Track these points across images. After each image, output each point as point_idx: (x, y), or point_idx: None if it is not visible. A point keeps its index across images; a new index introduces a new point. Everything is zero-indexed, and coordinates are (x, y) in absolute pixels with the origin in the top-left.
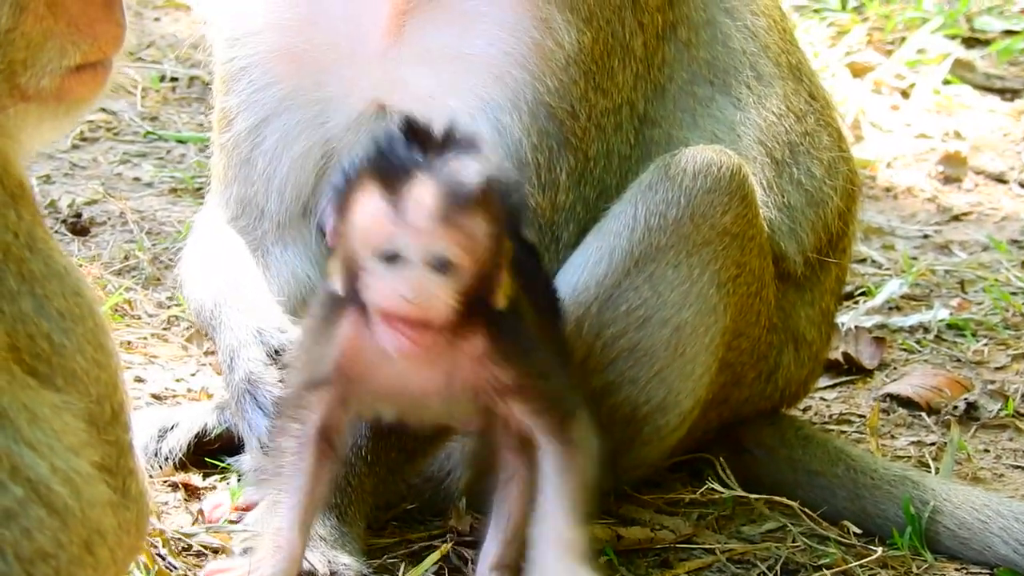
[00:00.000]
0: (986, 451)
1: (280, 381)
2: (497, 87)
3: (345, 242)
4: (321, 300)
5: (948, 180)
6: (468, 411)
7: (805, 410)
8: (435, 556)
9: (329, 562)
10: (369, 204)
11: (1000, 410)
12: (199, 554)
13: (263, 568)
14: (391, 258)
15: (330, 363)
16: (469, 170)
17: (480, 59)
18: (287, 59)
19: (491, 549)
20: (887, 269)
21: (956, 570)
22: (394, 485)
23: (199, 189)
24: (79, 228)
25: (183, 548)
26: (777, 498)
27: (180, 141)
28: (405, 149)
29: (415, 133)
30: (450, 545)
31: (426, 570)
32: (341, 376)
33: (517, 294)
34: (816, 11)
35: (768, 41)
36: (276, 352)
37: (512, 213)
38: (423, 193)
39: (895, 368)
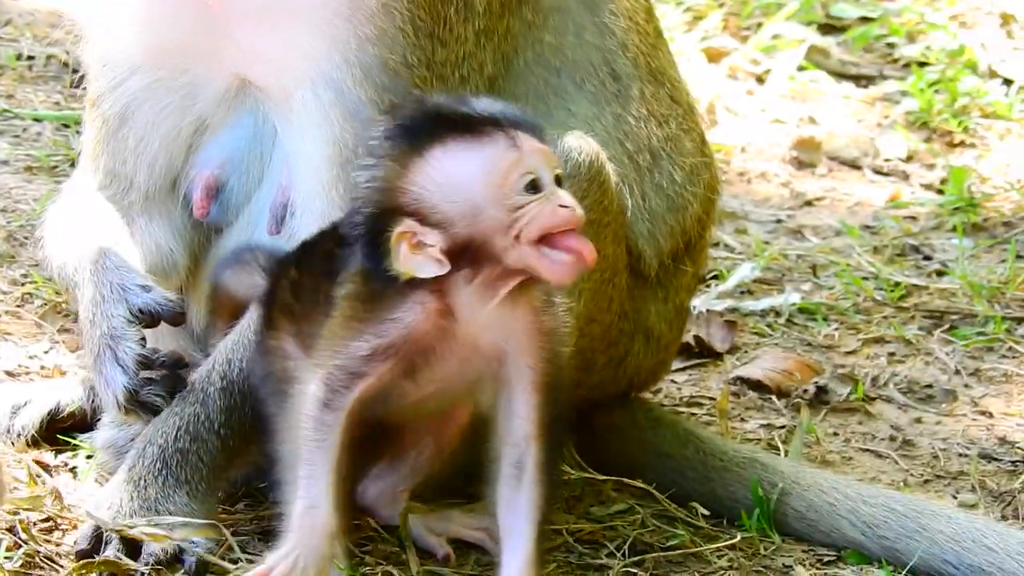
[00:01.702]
0: (835, 434)
1: (141, 340)
2: (323, 41)
3: (462, 215)
4: (370, 287)
5: (802, 165)
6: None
7: (656, 392)
8: None
9: (176, 552)
10: (496, 149)
11: (850, 394)
12: (50, 530)
13: (306, 552)
14: (533, 186)
15: (397, 337)
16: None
17: (304, 16)
18: (150, 47)
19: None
20: (740, 253)
21: (804, 552)
22: (248, 457)
23: (55, 167)
24: None
25: (33, 523)
26: (627, 480)
27: (36, 119)
28: (466, 103)
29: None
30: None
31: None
32: (408, 350)
33: None
34: None
35: (627, 40)
36: (140, 311)
37: None
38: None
39: (746, 351)
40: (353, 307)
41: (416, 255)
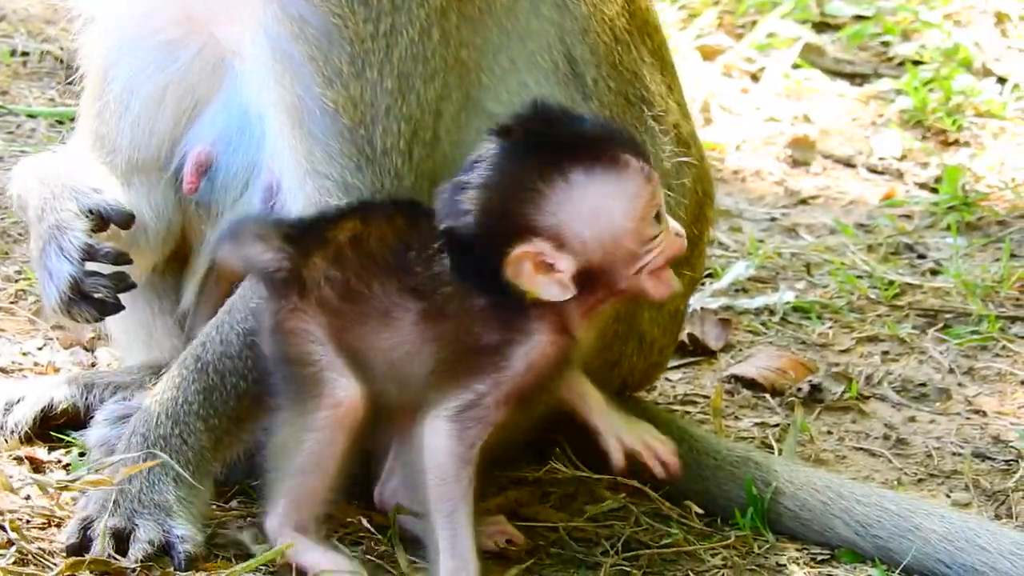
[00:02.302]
0: (829, 433)
1: (88, 232)
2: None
3: (601, 244)
4: (482, 309)
5: (796, 163)
6: None
7: (650, 391)
8: (279, 549)
9: (164, 531)
10: (636, 182)
11: (844, 393)
12: (43, 527)
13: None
14: (657, 217)
15: (527, 373)
16: None
17: None
18: (123, 11)
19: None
20: (734, 251)
21: (797, 551)
22: (236, 438)
23: None
24: None
25: (26, 520)
26: (621, 478)
27: (31, 116)
28: (589, 123)
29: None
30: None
31: (269, 560)
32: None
33: None
34: None
35: (593, 34)
36: (89, 211)
37: None
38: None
39: (740, 350)
40: (470, 333)
41: (542, 277)
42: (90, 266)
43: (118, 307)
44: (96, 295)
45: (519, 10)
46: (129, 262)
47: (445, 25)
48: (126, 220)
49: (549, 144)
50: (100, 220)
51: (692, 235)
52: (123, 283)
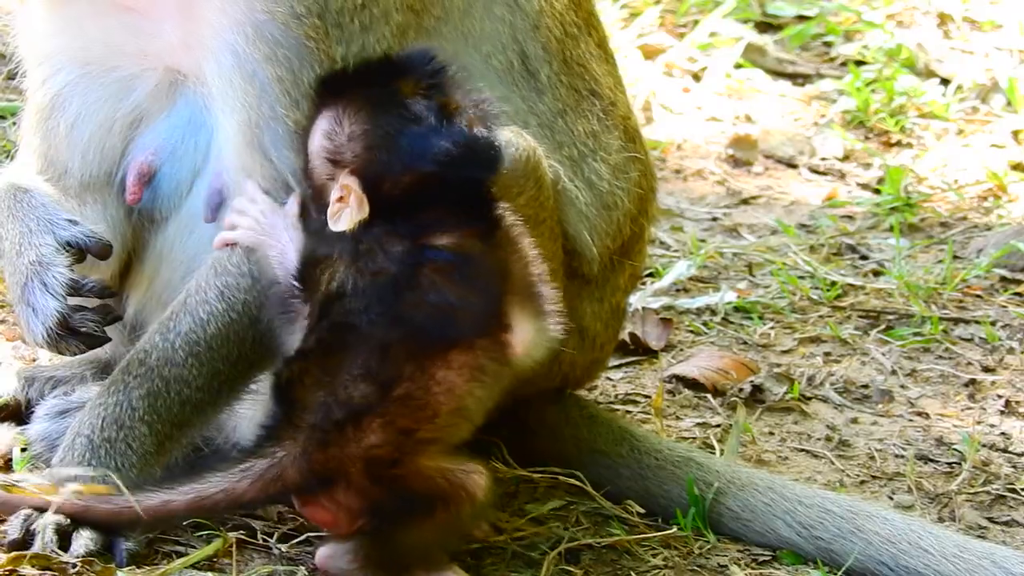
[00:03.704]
0: (771, 434)
1: (69, 267)
2: (222, 9)
3: None
4: None
5: (738, 163)
6: None
7: (591, 390)
8: (216, 545)
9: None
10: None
11: (785, 393)
12: None
13: None
14: None
15: None
16: None
17: None
18: (75, 45)
19: None
20: (675, 251)
21: (739, 551)
22: (179, 443)
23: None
24: None
25: None
26: (562, 476)
27: None
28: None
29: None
30: (233, 539)
31: (208, 557)
32: None
33: None
34: None
35: (544, 29)
36: (67, 244)
37: None
38: None
39: (681, 350)
40: None
41: None
42: (74, 300)
43: (106, 339)
44: (83, 329)
45: (474, 14)
46: (113, 294)
47: (404, 41)
48: (104, 251)
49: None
50: (79, 252)
51: (635, 230)
52: (109, 315)
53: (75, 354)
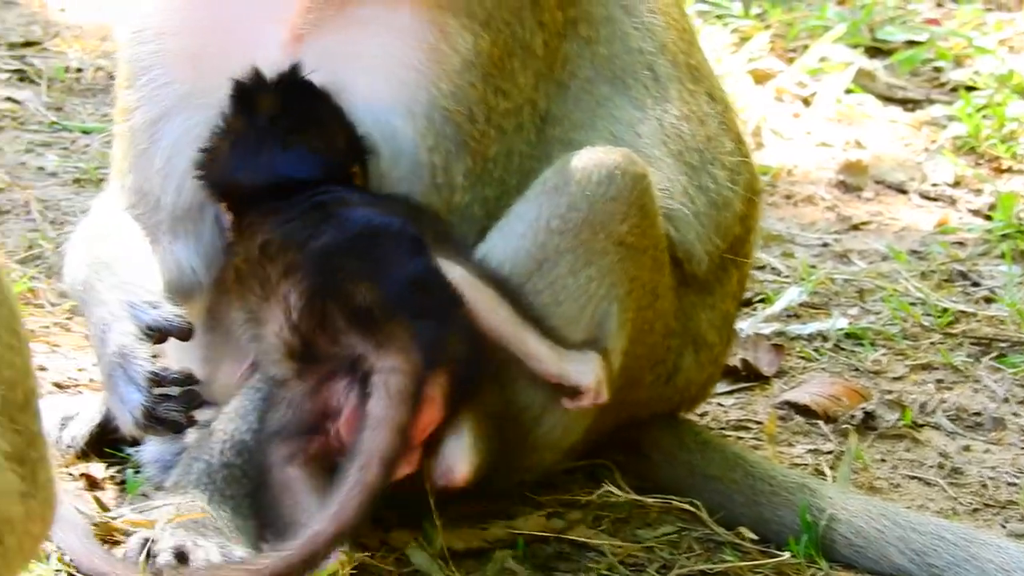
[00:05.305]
0: (883, 461)
1: (153, 356)
2: (391, 91)
3: None
4: None
5: (848, 189)
6: None
7: (703, 415)
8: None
9: (224, 554)
10: None
11: (897, 420)
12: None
13: None
14: None
15: None
16: None
17: (375, 64)
18: (188, 61)
19: None
20: (786, 276)
21: None
22: None
23: (103, 180)
24: None
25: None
26: (675, 501)
27: (84, 131)
28: None
29: None
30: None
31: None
32: None
33: None
34: (719, 17)
35: (666, 40)
36: (149, 328)
37: None
38: None
39: (793, 376)
40: None
41: None
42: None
43: (192, 423)
44: (168, 418)
45: (615, 54)
46: (196, 382)
47: (553, 112)
48: (186, 334)
49: None
50: (161, 335)
51: (743, 230)
52: (194, 402)
53: (164, 439)
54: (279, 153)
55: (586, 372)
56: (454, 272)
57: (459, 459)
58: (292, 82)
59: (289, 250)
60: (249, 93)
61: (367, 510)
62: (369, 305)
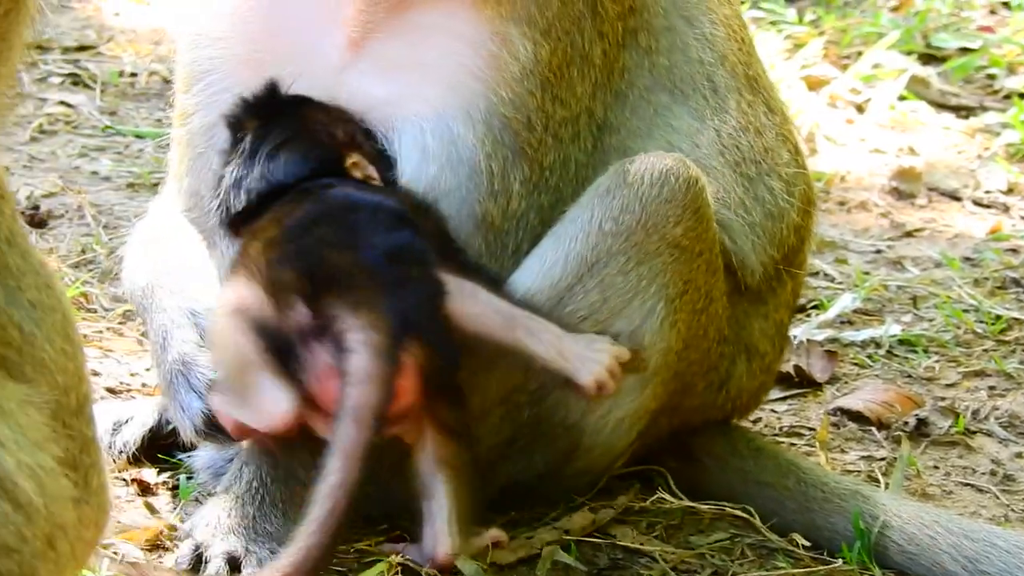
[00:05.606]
0: (936, 468)
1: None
2: (451, 97)
3: None
4: None
5: (902, 196)
6: None
7: (755, 422)
8: (381, 567)
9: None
10: None
11: (950, 427)
12: (152, 549)
13: None
14: None
15: None
16: None
17: (435, 70)
18: (248, 66)
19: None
20: (840, 283)
21: None
22: None
23: (156, 184)
24: (37, 220)
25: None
26: (728, 507)
27: (138, 136)
28: None
29: None
30: (400, 556)
31: None
32: None
33: None
34: (773, 23)
35: (726, 51)
36: None
37: None
38: None
39: (846, 382)
40: None
41: None
42: None
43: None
44: None
45: (674, 64)
46: None
47: (610, 120)
48: None
49: None
50: None
51: (797, 240)
52: None
53: (223, 446)
54: (267, 163)
55: (591, 362)
56: (452, 281)
57: (441, 539)
58: (268, 99)
59: (271, 227)
60: (236, 123)
61: (367, 464)
62: (346, 268)
